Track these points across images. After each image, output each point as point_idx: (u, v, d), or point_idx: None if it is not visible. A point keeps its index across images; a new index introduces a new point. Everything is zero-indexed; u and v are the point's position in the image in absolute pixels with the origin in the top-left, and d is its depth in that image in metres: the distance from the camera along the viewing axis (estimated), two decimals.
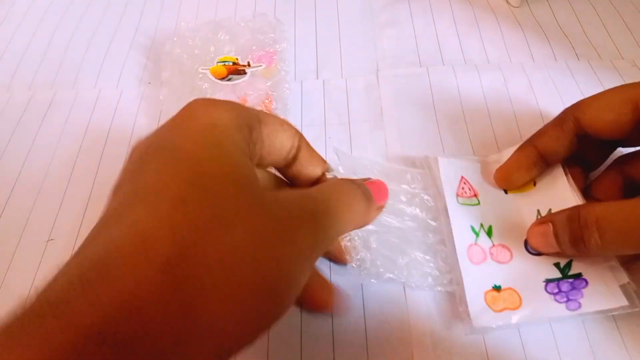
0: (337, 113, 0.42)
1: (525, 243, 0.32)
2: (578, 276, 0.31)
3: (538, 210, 0.33)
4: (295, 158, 0.28)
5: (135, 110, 0.43)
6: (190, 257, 0.18)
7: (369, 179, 0.30)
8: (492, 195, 0.35)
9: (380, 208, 0.29)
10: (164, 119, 0.41)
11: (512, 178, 0.34)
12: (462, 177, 0.36)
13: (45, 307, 0.17)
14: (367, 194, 0.28)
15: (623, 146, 0.34)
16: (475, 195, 0.35)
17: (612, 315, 0.30)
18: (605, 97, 0.31)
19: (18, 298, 0.30)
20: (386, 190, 0.30)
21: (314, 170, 0.29)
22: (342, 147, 0.39)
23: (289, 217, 0.22)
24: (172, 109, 0.39)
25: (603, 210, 0.28)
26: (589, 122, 0.31)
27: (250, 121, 0.25)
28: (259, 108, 0.38)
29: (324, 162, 0.30)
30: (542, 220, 0.31)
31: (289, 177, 0.29)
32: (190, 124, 0.23)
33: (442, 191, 0.35)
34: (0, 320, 0.17)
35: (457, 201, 0.34)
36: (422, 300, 0.32)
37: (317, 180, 0.30)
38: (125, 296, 0.17)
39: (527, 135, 0.38)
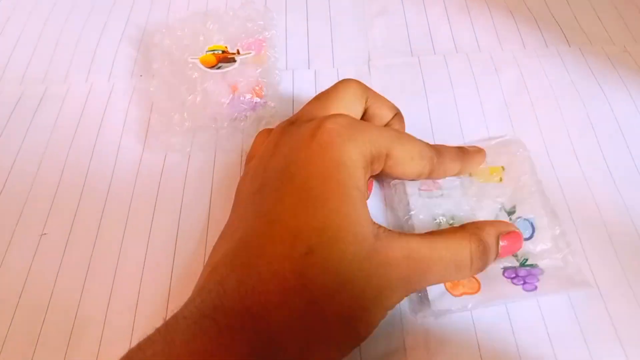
0: None
1: None
2: (534, 266, 0.32)
3: (502, 205, 0.34)
4: (428, 176, 0.33)
5: (127, 103, 0.43)
6: (312, 313, 0.24)
7: (510, 227, 0.31)
8: (456, 184, 0.35)
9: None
10: (155, 111, 0.41)
11: None
12: None
13: (224, 328, 0.23)
14: (479, 256, 0.29)
15: None
16: (438, 188, 0.35)
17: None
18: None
19: (12, 293, 0.31)
20: (519, 245, 0.31)
21: (449, 174, 0.34)
22: None
23: (388, 284, 0.26)
24: (162, 101, 0.40)
25: None
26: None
27: (379, 151, 0.29)
28: (249, 95, 0.39)
29: (462, 160, 0.34)
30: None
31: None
32: (325, 161, 0.27)
33: (404, 184, 0.35)
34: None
35: (419, 193, 0.34)
36: None
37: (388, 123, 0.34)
38: (273, 331, 0.23)
39: (519, 124, 0.38)
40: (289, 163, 0.27)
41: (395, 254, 0.26)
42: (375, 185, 0.36)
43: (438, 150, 0.32)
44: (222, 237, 0.30)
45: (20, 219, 0.37)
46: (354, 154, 0.27)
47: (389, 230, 0.27)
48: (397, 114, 0.35)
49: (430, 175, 0.32)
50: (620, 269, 0.33)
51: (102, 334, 0.32)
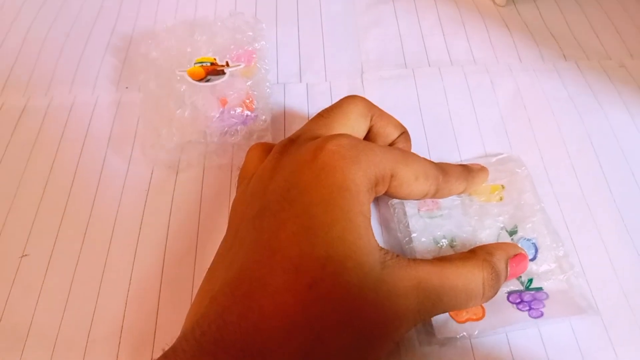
0: None
1: None
2: (539, 289, 0.31)
3: (503, 226, 0.33)
4: (433, 196, 0.31)
5: (112, 116, 0.41)
6: (317, 350, 0.23)
7: (517, 250, 0.30)
8: (457, 203, 0.34)
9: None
10: (142, 125, 0.39)
11: None
12: None
13: None
14: (492, 284, 0.28)
15: None
16: (438, 208, 0.34)
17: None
18: None
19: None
20: (525, 267, 0.30)
21: (454, 193, 0.32)
22: None
23: (396, 316, 0.25)
24: (149, 114, 0.39)
25: None
26: None
27: (383, 174, 0.27)
28: (239, 109, 0.37)
29: (467, 180, 0.32)
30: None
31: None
32: (327, 186, 0.25)
33: (403, 204, 0.34)
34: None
35: (419, 214, 0.34)
36: None
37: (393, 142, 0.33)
38: None
39: (516, 140, 0.38)
40: (290, 186, 0.26)
41: (404, 284, 0.25)
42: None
43: (443, 169, 0.31)
44: (219, 261, 0.28)
45: (0, 240, 0.35)
46: (358, 177, 0.26)
47: (397, 256, 0.26)
48: (404, 133, 0.34)
49: (435, 195, 0.31)
50: (621, 293, 0.32)
51: (84, 358, 0.30)
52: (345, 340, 0.23)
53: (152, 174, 0.38)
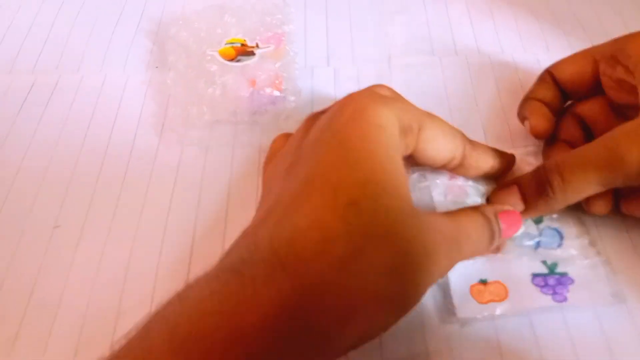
0: None
1: None
2: (564, 274, 0.31)
3: None
4: (460, 165, 0.31)
5: (143, 95, 0.42)
6: (358, 262, 0.22)
7: (504, 208, 0.30)
8: (482, 192, 0.34)
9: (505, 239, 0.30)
10: (173, 104, 0.40)
11: (544, 124, 0.35)
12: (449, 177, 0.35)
13: (248, 279, 0.21)
14: (493, 230, 0.28)
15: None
16: (465, 194, 0.34)
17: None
18: (573, 56, 0.36)
19: (25, 287, 0.29)
20: (519, 223, 0.31)
21: (481, 168, 0.32)
22: None
23: (433, 247, 0.25)
24: (180, 93, 0.39)
25: (561, 158, 0.30)
26: (558, 76, 0.36)
27: (411, 123, 0.27)
28: (269, 89, 0.38)
29: (495, 157, 0.32)
30: (505, 184, 0.32)
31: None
32: (362, 123, 0.25)
33: (430, 193, 0.34)
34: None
35: (446, 200, 0.34)
36: None
37: (487, 174, 0.33)
38: (311, 279, 0.21)
39: None
40: (324, 131, 0.26)
41: (432, 226, 0.25)
42: None
43: (470, 140, 0.31)
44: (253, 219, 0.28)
45: (32, 211, 0.35)
46: (390, 117, 0.26)
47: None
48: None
49: (463, 163, 0.31)
50: None
51: (115, 329, 0.30)
52: (386, 256, 0.23)
53: (182, 151, 0.38)
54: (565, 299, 0.30)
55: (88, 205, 0.36)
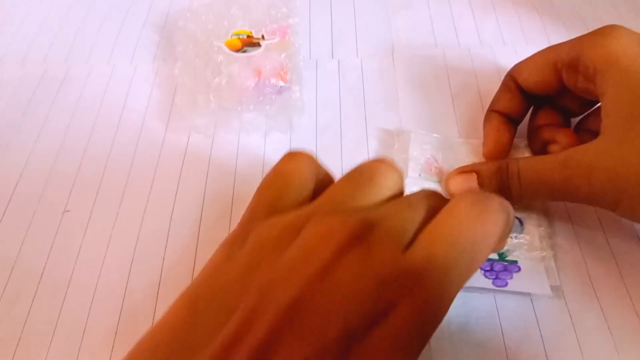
0: (352, 94, 0.42)
1: None
2: (514, 262, 0.32)
3: None
4: None
5: (150, 85, 0.43)
6: None
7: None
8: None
9: None
10: (180, 92, 0.41)
11: (497, 150, 0.36)
12: (430, 156, 0.36)
13: None
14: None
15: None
16: (438, 174, 0.35)
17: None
18: (533, 60, 0.36)
19: (35, 270, 0.30)
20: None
21: None
22: (355, 128, 0.39)
23: None
24: (187, 82, 0.40)
25: (523, 164, 0.32)
26: (523, 84, 0.35)
27: None
28: (274, 79, 0.39)
29: None
30: (463, 170, 0.34)
31: None
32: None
33: (407, 165, 0.35)
34: None
35: (420, 176, 0.35)
36: None
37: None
38: None
39: None
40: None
41: None
42: None
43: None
44: None
45: (43, 197, 0.36)
46: None
47: None
48: None
49: None
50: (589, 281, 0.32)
51: (121, 311, 0.31)
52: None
53: (188, 139, 0.39)
54: (505, 284, 0.31)
55: (97, 191, 0.36)
